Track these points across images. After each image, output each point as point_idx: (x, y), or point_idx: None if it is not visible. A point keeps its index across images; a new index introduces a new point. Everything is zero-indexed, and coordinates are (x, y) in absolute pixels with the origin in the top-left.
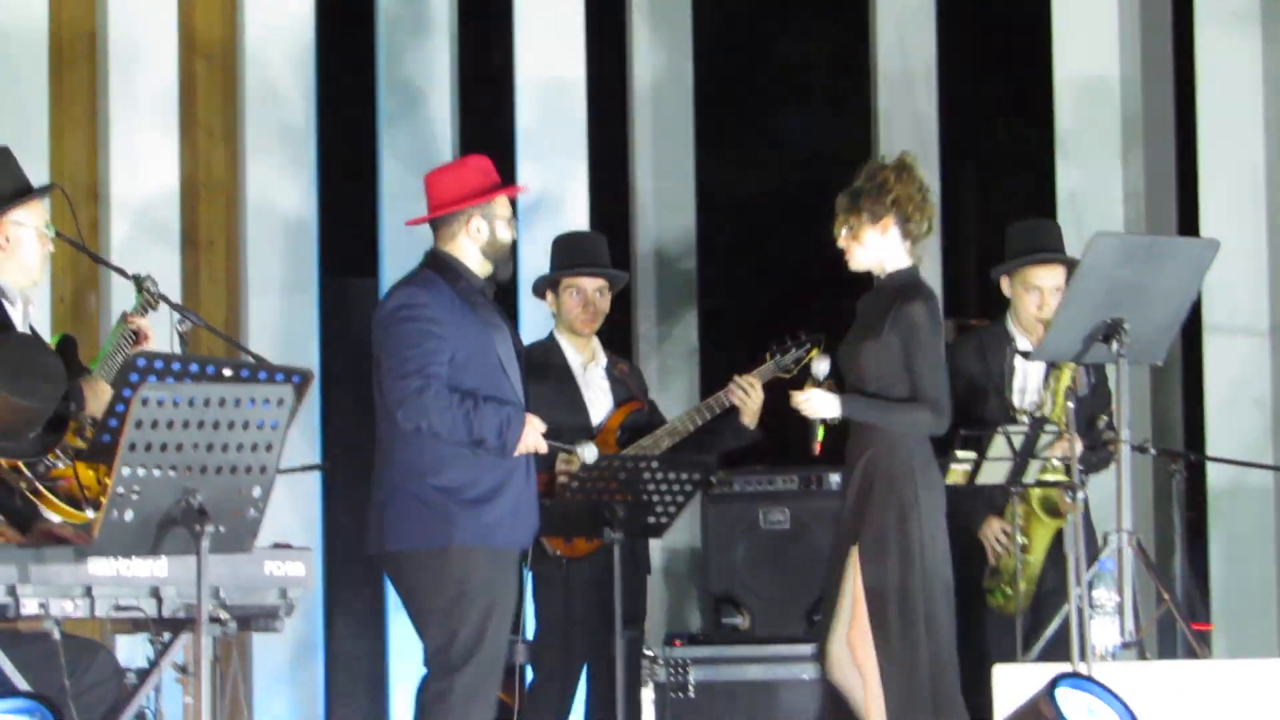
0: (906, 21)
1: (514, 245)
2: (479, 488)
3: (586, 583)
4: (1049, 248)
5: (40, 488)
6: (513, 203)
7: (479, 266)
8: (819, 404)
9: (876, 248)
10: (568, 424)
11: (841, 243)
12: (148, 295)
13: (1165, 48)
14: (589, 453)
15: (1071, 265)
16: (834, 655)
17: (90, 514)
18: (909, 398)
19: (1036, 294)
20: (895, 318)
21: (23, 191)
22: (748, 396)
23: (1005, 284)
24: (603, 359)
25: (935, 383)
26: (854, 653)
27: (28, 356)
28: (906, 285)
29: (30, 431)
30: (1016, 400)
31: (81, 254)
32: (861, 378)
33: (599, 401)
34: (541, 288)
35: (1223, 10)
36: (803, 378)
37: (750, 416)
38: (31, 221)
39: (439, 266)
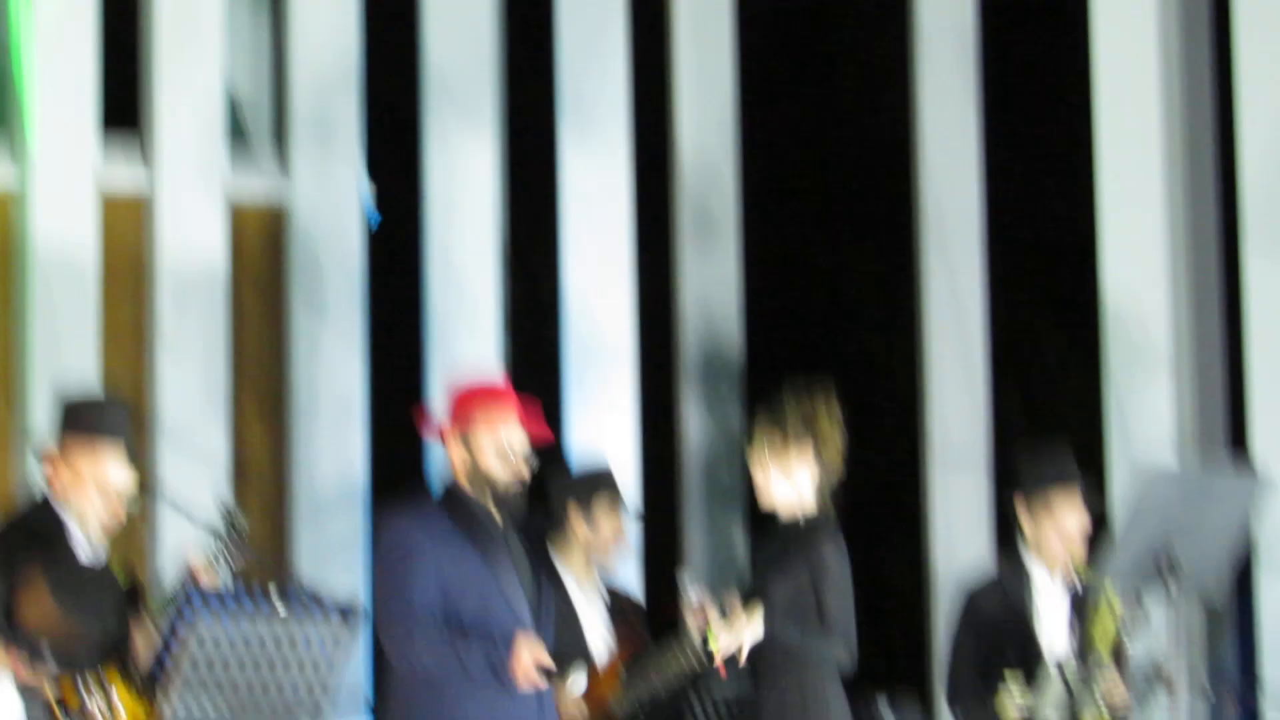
0: (954, 247)
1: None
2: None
3: None
4: (1069, 474)
5: None
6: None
7: (475, 490)
8: (747, 629)
9: (803, 487)
10: (564, 641)
11: (765, 476)
12: (232, 530)
13: (1211, 274)
14: (577, 684)
15: (1091, 493)
16: None
17: None
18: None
19: (1059, 525)
20: (806, 556)
21: (90, 429)
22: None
23: (1022, 512)
24: (601, 585)
25: (846, 620)
26: None
27: (88, 577)
28: (820, 525)
29: (85, 651)
30: (1042, 639)
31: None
32: (773, 614)
33: (595, 624)
34: (564, 505)
35: (1271, 235)
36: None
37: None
38: (92, 471)
39: (446, 492)
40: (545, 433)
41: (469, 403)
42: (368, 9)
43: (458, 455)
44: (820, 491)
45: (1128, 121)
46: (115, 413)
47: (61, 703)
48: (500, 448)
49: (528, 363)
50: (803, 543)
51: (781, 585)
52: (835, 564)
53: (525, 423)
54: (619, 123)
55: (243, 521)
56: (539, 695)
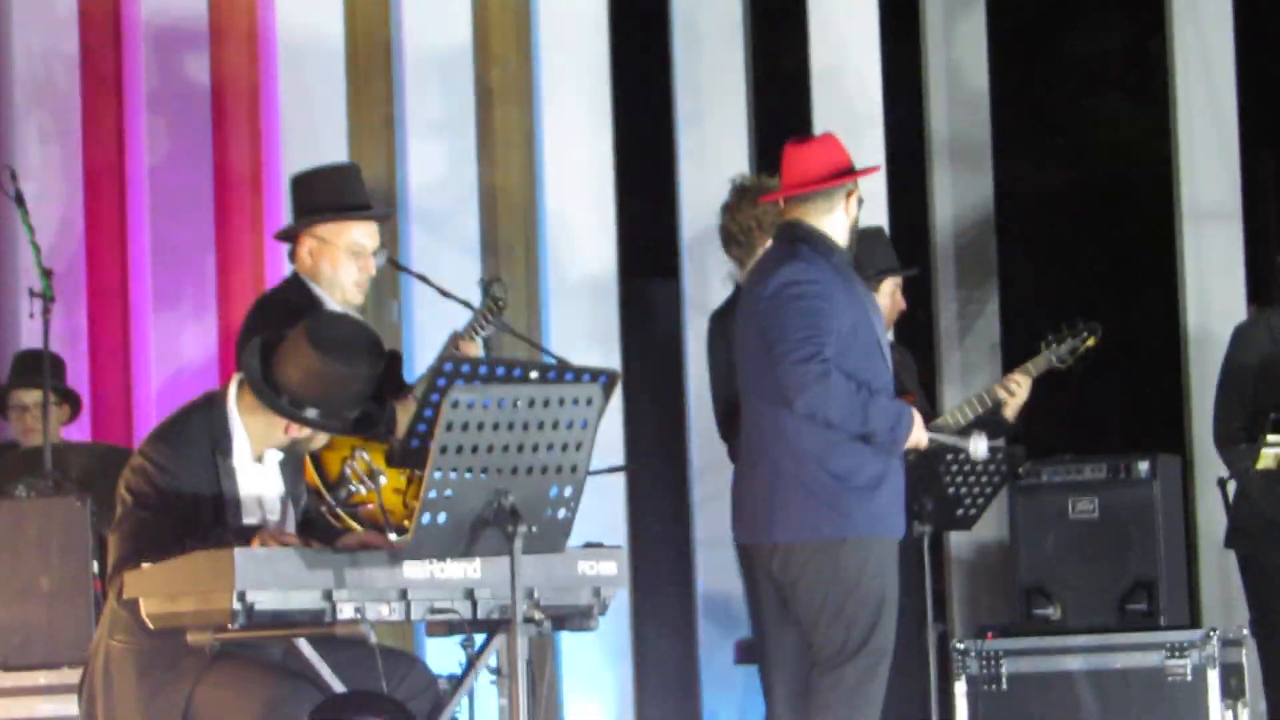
0: (1203, 11)
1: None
2: (866, 474)
3: None
4: None
5: (341, 513)
6: None
7: (843, 242)
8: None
9: None
10: None
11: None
12: (491, 302)
13: None
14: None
15: None
16: None
17: (394, 538)
18: None
19: None
20: None
21: (337, 206)
22: (1012, 395)
23: None
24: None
25: None
26: None
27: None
28: None
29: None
30: None
31: (393, 267)
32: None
33: None
34: None
35: None
36: (1079, 367)
37: (1012, 411)
38: (344, 241)
39: (810, 241)
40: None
41: (847, 156)
42: None
43: (855, 202)
44: None
45: None
46: (349, 176)
47: (320, 469)
48: (859, 196)
49: (775, 133)
50: None
51: None
52: None
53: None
54: None
55: (502, 293)
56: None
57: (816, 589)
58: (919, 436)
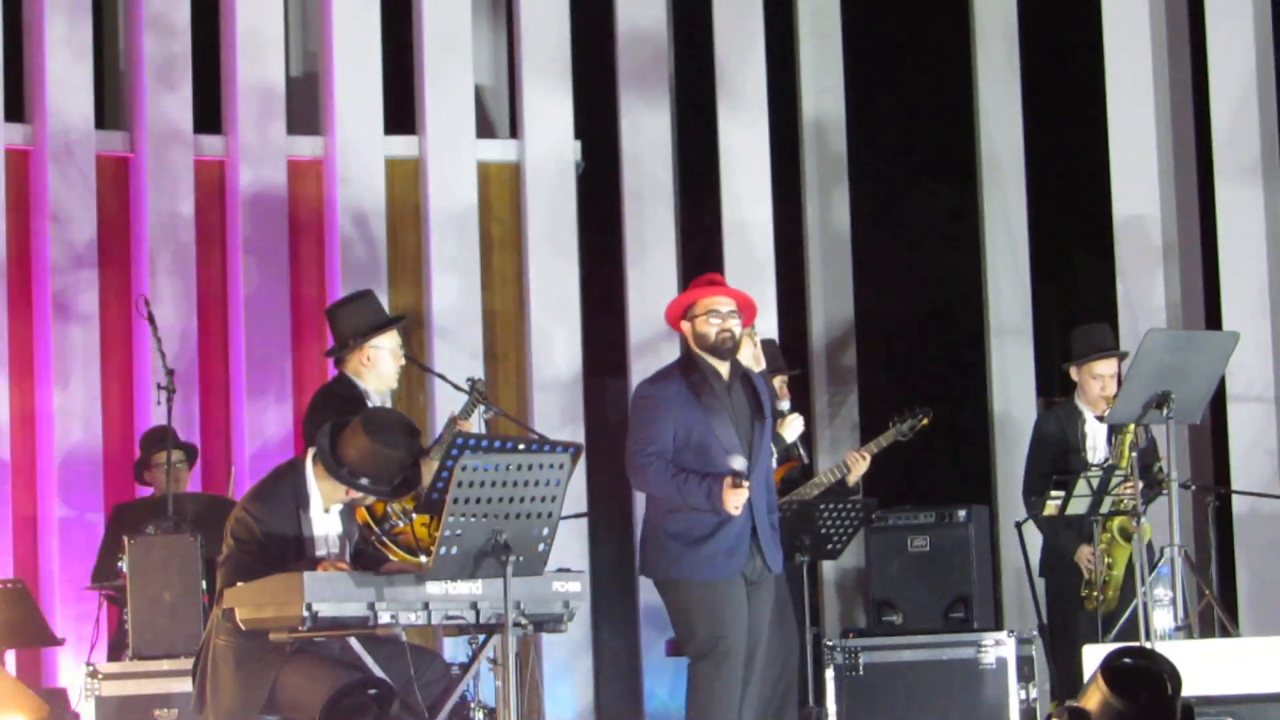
0: (1005, 180)
1: (730, 338)
2: (698, 530)
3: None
4: (1107, 345)
5: (386, 540)
6: None
7: (710, 351)
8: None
9: None
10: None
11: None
12: (477, 394)
13: (1192, 193)
14: (794, 427)
15: (1123, 356)
16: None
17: (423, 559)
18: None
19: (1100, 380)
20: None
21: (382, 323)
22: (850, 470)
23: (1074, 372)
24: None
25: None
26: None
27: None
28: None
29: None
30: (1090, 457)
31: (412, 364)
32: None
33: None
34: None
35: (1235, 165)
36: (916, 442)
37: (853, 479)
38: (387, 345)
39: (682, 361)
40: (748, 299)
41: (690, 289)
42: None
43: (687, 329)
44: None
45: (1129, 88)
46: (374, 300)
47: (370, 509)
48: (710, 311)
49: (698, 271)
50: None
51: None
52: None
53: (729, 293)
54: (759, 98)
55: (484, 387)
56: (749, 507)
57: (669, 613)
58: (737, 500)
